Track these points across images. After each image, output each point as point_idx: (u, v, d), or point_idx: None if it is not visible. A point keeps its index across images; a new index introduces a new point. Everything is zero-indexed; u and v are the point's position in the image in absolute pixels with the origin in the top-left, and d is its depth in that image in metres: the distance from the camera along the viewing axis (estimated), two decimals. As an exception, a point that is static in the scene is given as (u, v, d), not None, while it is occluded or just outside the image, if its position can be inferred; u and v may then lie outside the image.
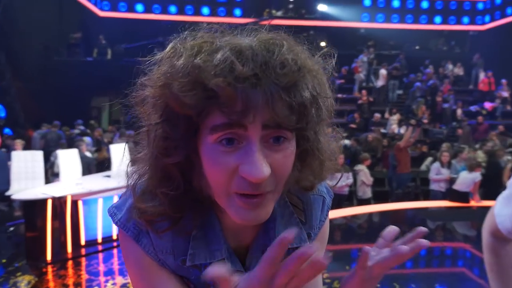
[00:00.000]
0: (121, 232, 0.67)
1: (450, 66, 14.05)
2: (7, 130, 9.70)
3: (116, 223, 0.67)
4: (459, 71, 14.18)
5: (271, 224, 0.67)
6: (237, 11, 15.36)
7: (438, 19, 15.66)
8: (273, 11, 15.76)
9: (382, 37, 15.22)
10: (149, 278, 0.66)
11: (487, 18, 15.40)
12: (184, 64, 0.54)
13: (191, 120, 0.54)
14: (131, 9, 14.92)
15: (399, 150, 8.00)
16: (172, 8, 15.04)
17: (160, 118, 0.57)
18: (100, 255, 4.57)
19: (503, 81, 12.69)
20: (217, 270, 0.45)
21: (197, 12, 15.07)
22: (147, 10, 14.97)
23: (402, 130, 10.06)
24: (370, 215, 7.08)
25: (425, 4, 15.66)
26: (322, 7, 15.57)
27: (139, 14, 14.89)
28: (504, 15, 14.44)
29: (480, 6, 15.67)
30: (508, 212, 0.97)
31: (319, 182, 0.68)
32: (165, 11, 14.95)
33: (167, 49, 0.59)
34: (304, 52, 0.58)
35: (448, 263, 5.32)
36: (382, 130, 10.36)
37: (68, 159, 5.62)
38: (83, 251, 4.56)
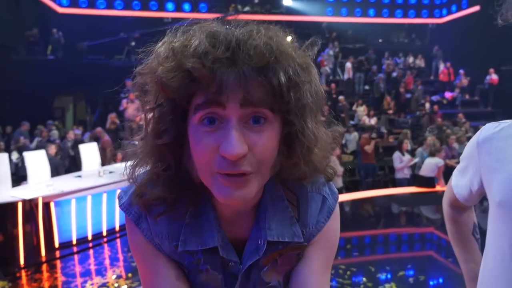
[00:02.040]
0: (125, 215, 0.72)
1: (410, 58, 14.60)
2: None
3: (120, 206, 0.72)
4: (420, 62, 14.77)
5: (262, 215, 0.68)
6: (203, 7, 15.20)
7: (399, 12, 16.19)
8: (239, 6, 15.74)
9: (346, 30, 15.57)
10: (148, 261, 0.71)
11: (444, 11, 16.08)
12: (165, 51, 0.58)
13: (176, 103, 0.58)
14: (92, 5, 14.41)
15: (364, 144, 8.34)
16: (135, 4, 14.66)
17: (155, 103, 0.61)
18: (76, 257, 4.46)
19: (461, 71, 13.35)
20: None
21: (161, 8, 14.77)
22: (109, 6, 14.49)
23: (373, 121, 10.38)
24: (341, 203, 7.29)
25: (386, -1, 16.16)
26: (287, 2, 15.72)
27: (101, 10, 14.41)
28: (460, 8, 15.14)
29: (438, 0, 16.34)
30: (464, 182, 1.08)
31: (313, 172, 0.68)
32: (128, 7, 14.52)
33: (161, 41, 0.62)
34: (284, 38, 0.60)
35: (417, 247, 5.58)
36: (351, 122, 10.65)
37: (36, 161, 5.41)
38: (57, 253, 4.43)
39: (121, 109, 9.83)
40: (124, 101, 9.91)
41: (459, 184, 1.10)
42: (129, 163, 0.68)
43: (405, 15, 16.25)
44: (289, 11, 15.67)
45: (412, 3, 16.33)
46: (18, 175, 6.50)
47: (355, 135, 9.35)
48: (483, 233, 1.09)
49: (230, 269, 0.71)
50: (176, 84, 0.55)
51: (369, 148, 8.38)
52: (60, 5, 14.22)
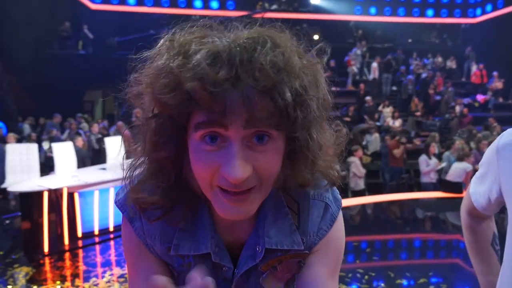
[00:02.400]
0: (123, 220, 0.72)
1: (439, 59, 14.13)
2: (0, 124, 9.62)
3: (115, 203, 0.72)
4: (451, 64, 14.29)
5: (261, 222, 0.67)
6: (230, 4, 15.27)
7: (430, 12, 15.73)
8: (266, 4, 15.70)
9: (374, 30, 15.26)
10: (137, 261, 0.71)
11: (478, 11, 15.50)
12: (164, 66, 0.55)
13: (175, 120, 0.56)
14: (123, 2, 14.76)
15: (393, 147, 8.15)
16: (164, 1, 14.92)
17: (152, 114, 0.59)
18: (97, 247, 4.58)
19: (495, 73, 12.83)
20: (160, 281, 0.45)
21: (189, 5, 14.97)
22: (139, 2, 14.82)
23: (397, 123, 10.14)
24: (363, 206, 7.16)
25: (417, -3, 15.74)
26: (315, 0, 15.56)
27: (131, 7, 14.74)
28: (495, 8, 14.55)
29: (472, -1, 15.78)
30: (482, 190, 1.02)
31: (316, 178, 0.68)
32: (157, 3, 14.82)
33: (158, 45, 0.60)
34: (291, 49, 0.56)
35: (442, 254, 5.40)
36: (377, 123, 10.44)
37: (63, 152, 5.60)
38: (80, 243, 4.56)
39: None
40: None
41: (477, 191, 1.05)
42: (129, 161, 0.67)
43: (437, 15, 15.77)
44: (317, 9, 15.51)
45: (444, 2, 15.83)
46: (49, 166, 6.73)
47: (376, 136, 9.15)
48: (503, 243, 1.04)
49: (223, 273, 0.70)
50: (175, 102, 0.53)
51: (398, 152, 8.17)
52: (93, 1, 14.64)
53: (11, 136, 7.17)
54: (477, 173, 1.07)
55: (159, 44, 0.60)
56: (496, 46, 13.10)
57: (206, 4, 15.10)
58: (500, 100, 12.63)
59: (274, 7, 15.69)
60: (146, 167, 0.64)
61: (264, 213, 0.67)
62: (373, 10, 15.54)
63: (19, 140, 7.52)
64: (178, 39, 0.57)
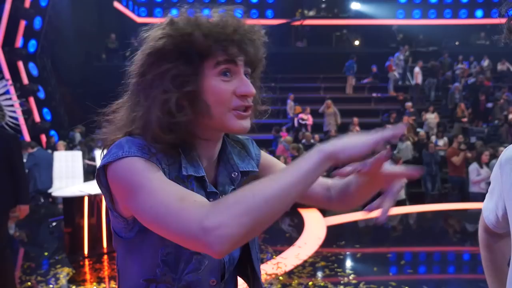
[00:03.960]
0: (129, 160, 0.73)
1: (486, 62, 13.29)
2: (52, 133, 10.32)
3: (121, 155, 0.73)
4: (503, 67, 13.43)
5: (230, 156, 0.91)
6: (269, 13, 15.42)
7: (479, 12, 14.94)
8: (305, 11, 15.69)
9: (418, 33, 14.72)
10: (167, 180, 0.74)
11: (534, 10, 14.50)
12: (205, 22, 0.79)
13: (202, 59, 0.78)
14: (151, 14, 15.35)
15: (451, 155, 7.79)
16: (206, 12, 15.34)
17: (177, 60, 0.78)
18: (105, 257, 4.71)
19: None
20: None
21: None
22: (165, 15, 15.35)
23: (441, 143, 9.52)
24: (405, 216, 6.89)
25: (465, -2, 15.03)
26: (355, 6, 15.33)
27: (159, 19, 15.31)
28: (553, 6, 13.55)
29: (526, -3, 14.79)
30: (491, 206, 0.98)
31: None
32: (199, 15, 15.29)
33: (166, 20, 0.82)
34: (256, 26, 0.85)
35: (480, 269, 5.05)
36: (419, 129, 10.03)
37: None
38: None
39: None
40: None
41: (487, 207, 1.01)
42: (138, 118, 0.80)
43: (486, 15, 14.95)
44: (357, 14, 15.27)
45: (495, 1, 14.98)
46: (93, 172, 7.11)
47: (408, 144, 8.77)
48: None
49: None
50: (209, 43, 0.77)
51: (457, 160, 7.76)
52: (139, 15, 15.39)
53: (61, 144, 7.66)
54: (489, 187, 1.02)
55: (166, 19, 0.82)
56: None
57: (246, 13, 15.31)
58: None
59: (313, 13, 15.65)
60: (165, 108, 0.77)
61: (228, 150, 0.91)
62: (417, 13, 15.04)
63: (71, 148, 8.01)
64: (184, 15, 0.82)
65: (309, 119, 10.46)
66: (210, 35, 0.77)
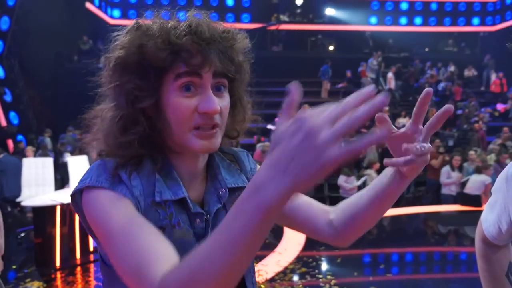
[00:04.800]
0: (92, 192, 0.69)
1: (452, 67, 13.78)
2: (20, 137, 9.88)
3: (88, 184, 0.69)
4: (469, 73, 13.98)
5: (218, 170, 0.84)
6: (245, 17, 15.44)
7: (447, 20, 15.50)
8: (281, 16, 15.80)
9: (390, 39, 15.12)
10: (133, 215, 0.67)
11: (497, 18, 15.18)
12: (159, 29, 0.72)
13: (160, 71, 0.71)
14: (141, 17, 15.05)
15: (431, 158, 7.97)
16: (181, 15, 15.17)
17: (132, 74, 0.72)
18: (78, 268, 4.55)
19: (500, 73, 12.49)
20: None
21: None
22: (139, 17, 15.10)
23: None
24: (382, 219, 7.01)
25: (434, 6, 15.53)
26: (330, 11, 15.56)
27: (132, 20, 15.03)
28: (515, 16, 14.25)
29: (490, 7, 15.47)
30: (492, 218, 0.98)
31: (241, 134, 0.87)
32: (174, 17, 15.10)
33: (131, 24, 0.76)
34: (236, 31, 0.78)
35: (463, 268, 5.23)
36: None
37: (78, 166, 5.68)
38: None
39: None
40: None
41: (488, 219, 1.01)
42: (99, 132, 0.77)
43: (454, 23, 15.53)
44: (332, 20, 15.51)
45: (462, 10, 15.58)
46: (67, 178, 6.84)
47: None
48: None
49: (197, 226, 0.78)
50: (165, 55, 0.70)
51: (436, 163, 7.93)
52: (112, 17, 15.04)
53: (30, 149, 7.35)
54: (490, 199, 1.03)
55: (132, 24, 0.76)
56: (517, 54, 12.76)
57: (221, 17, 15.27)
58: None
59: (287, 19, 15.78)
60: (122, 122, 0.73)
61: (216, 164, 0.84)
62: (388, 20, 15.43)
63: (44, 154, 7.67)
64: (159, 18, 0.77)
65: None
66: (166, 45, 0.70)
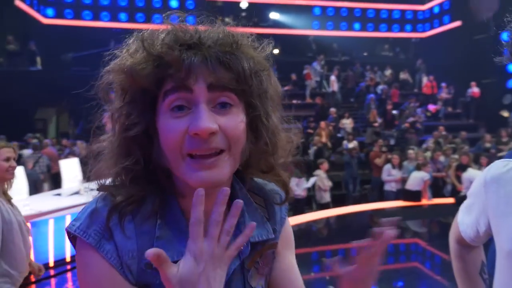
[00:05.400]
0: (79, 243, 0.63)
1: (388, 71, 14.71)
2: None
3: (75, 231, 0.62)
4: (405, 76, 14.97)
5: (241, 219, 0.67)
6: (190, 19, 15.22)
7: (383, 27, 16.47)
8: (226, 19, 15.80)
9: (332, 44, 15.73)
10: None
11: (427, 26, 16.42)
12: (136, 41, 0.63)
13: (147, 94, 0.61)
14: (78, 16, 14.30)
15: (374, 157, 8.35)
16: (122, 16, 14.61)
17: (123, 101, 0.63)
18: (53, 280, 4.28)
19: (443, 84, 13.59)
20: (156, 252, 0.51)
21: (148, 20, 14.74)
22: (95, 17, 14.41)
23: (349, 122, 10.39)
24: (328, 219, 7.24)
25: (371, 13, 16.42)
26: (274, 15, 15.84)
27: (87, 21, 14.29)
28: (442, 23, 15.48)
29: (420, 15, 16.68)
30: (470, 221, 1.02)
31: (278, 169, 0.71)
32: (115, 18, 14.48)
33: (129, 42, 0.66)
34: (244, 37, 0.65)
35: (403, 259, 5.57)
36: (338, 134, 10.68)
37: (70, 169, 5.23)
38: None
39: (103, 123, 9.70)
40: (106, 115, 9.78)
41: (465, 222, 1.05)
42: (95, 166, 0.67)
43: (389, 29, 16.54)
44: (276, 24, 15.79)
45: (396, 17, 16.64)
46: None
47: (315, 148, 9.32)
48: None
49: None
50: (146, 72, 0.59)
51: (380, 161, 8.29)
52: (45, 16, 14.07)
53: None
54: (465, 202, 1.07)
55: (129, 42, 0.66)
56: (444, 58, 13.90)
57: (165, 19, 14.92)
58: (449, 109, 13.36)
59: (233, 21, 15.79)
60: (114, 153, 0.64)
61: (241, 210, 0.66)
62: (330, 24, 16.04)
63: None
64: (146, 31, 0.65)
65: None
66: (146, 60, 0.60)
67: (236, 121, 0.61)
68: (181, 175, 0.61)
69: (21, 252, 2.00)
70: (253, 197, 0.74)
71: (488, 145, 9.54)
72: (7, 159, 2.08)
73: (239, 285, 0.69)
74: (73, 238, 0.65)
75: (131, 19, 14.50)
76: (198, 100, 0.59)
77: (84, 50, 12.42)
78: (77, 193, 5.12)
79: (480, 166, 7.77)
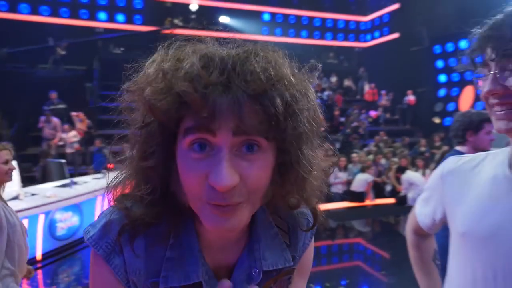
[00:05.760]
0: (92, 250, 0.64)
1: (334, 78, 15.46)
2: None
3: (87, 240, 0.64)
4: (349, 83, 15.75)
5: (256, 245, 0.66)
6: (138, 19, 14.82)
7: (329, 35, 17.20)
8: (175, 20, 15.59)
9: (286, 50, 16.08)
10: None
11: (368, 36, 17.40)
12: (156, 70, 0.56)
13: (164, 125, 0.56)
14: (14, 10, 13.32)
15: None
16: (64, 11, 13.82)
17: (142, 123, 0.58)
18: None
19: (383, 92, 14.48)
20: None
21: (93, 17, 14.13)
22: (33, 11, 13.49)
23: None
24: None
25: (317, 22, 17.07)
26: (224, 19, 15.91)
27: (24, 15, 13.35)
28: (382, 35, 16.50)
29: (362, 25, 17.65)
30: (427, 211, 1.16)
31: (306, 201, 0.66)
32: (55, 13, 13.66)
33: (153, 56, 0.60)
34: (283, 62, 0.58)
35: (346, 258, 5.86)
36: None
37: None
38: None
39: (39, 127, 9.17)
40: (42, 119, 9.23)
41: (423, 213, 1.18)
42: (112, 182, 0.64)
43: (334, 38, 17.30)
44: (226, 28, 15.83)
45: (340, 27, 17.45)
46: None
47: None
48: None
49: None
50: (165, 107, 0.53)
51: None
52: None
53: None
54: (421, 196, 1.20)
55: (154, 55, 0.59)
56: (384, 67, 14.83)
57: (111, 17, 14.40)
58: (388, 115, 14.27)
59: (182, 23, 15.63)
60: (131, 178, 0.63)
61: (256, 235, 0.66)
62: (278, 31, 16.43)
63: None
64: (173, 47, 0.59)
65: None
66: (166, 93, 0.53)
67: (260, 169, 0.55)
68: (199, 215, 0.58)
69: (23, 252, 2.07)
70: (276, 221, 0.70)
71: (423, 149, 10.32)
72: (6, 162, 2.09)
73: None
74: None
75: (73, 15, 13.76)
76: (220, 145, 0.53)
77: (21, 45, 11.61)
78: (16, 198, 4.81)
79: (417, 168, 8.40)
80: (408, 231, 1.29)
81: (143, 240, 0.63)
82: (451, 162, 1.08)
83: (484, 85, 0.84)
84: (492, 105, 0.85)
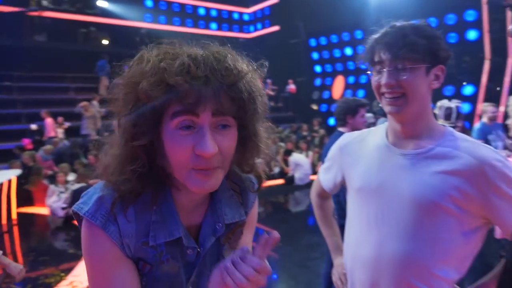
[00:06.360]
0: (86, 224, 0.75)
1: None
2: None
3: (84, 214, 0.75)
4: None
5: (218, 204, 0.85)
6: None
7: (214, 25, 17.37)
8: (43, 2, 13.90)
9: (165, 38, 15.62)
10: (110, 268, 0.75)
11: (251, 28, 18.10)
12: (152, 67, 0.70)
13: (156, 110, 0.70)
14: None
15: None
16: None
17: (130, 110, 0.72)
18: None
19: (268, 81, 15.30)
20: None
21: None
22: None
23: None
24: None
25: (202, 11, 17.08)
26: (102, 3, 14.78)
27: None
28: (264, 27, 17.34)
29: (246, 17, 18.27)
30: (329, 176, 1.44)
31: (257, 166, 0.86)
32: None
33: (136, 57, 0.75)
34: (243, 60, 0.77)
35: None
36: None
37: None
38: None
39: None
40: None
41: (326, 178, 1.45)
42: (102, 163, 0.76)
43: (219, 28, 17.55)
44: (104, 13, 14.77)
45: (225, 17, 17.77)
46: None
47: None
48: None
49: (187, 257, 0.82)
50: (159, 94, 0.68)
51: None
52: None
53: None
54: (323, 165, 1.47)
55: (137, 56, 0.75)
56: (267, 58, 15.47)
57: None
58: (272, 103, 15.17)
59: (51, 5, 14.02)
60: (122, 157, 0.74)
61: (217, 196, 0.85)
62: (162, 19, 15.96)
63: None
64: (162, 48, 0.74)
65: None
66: (159, 85, 0.68)
67: (231, 141, 0.74)
68: (183, 181, 0.73)
69: None
70: (231, 185, 0.89)
71: (305, 133, 11.31)
72: None
73: (214, 258, 0.85)
74: (79, 218, 0.77)
75: None
76: (203, 124, 0.70)
77: None
78: None
79: (301, 150, 9.18)
80: (313, 196, 1.57)
81: (133, 209, 0.76)
82: (345, 137, 1.36)
83: (380, 78, 1.10)
84: (383, 93, 1.11)
